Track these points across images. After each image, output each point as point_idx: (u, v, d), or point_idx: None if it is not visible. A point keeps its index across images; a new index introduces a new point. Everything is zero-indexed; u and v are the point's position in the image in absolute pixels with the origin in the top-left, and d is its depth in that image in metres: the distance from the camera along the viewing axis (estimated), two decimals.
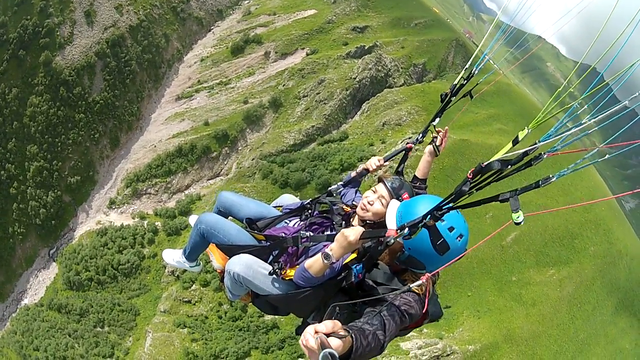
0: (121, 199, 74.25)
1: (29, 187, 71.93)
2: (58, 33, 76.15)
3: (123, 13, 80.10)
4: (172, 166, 74.63)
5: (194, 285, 59.84)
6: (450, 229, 3.74)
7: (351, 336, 2.99)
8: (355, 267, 4.12)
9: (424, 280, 3.46)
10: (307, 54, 79.86)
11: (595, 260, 63.45)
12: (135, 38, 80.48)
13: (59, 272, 68.90)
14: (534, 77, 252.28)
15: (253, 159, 70.17)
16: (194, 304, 58.25)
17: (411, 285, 3.58)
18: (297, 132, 71.39)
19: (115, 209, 74.04)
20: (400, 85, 75.62)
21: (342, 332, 2.85)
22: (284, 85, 76.96)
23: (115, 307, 63.70)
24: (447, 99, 5.51)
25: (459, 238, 3.79)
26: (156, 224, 69.55)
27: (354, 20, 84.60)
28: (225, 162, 74.90)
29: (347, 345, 2.91)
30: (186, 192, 73.82)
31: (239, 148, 75.04)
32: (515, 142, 3.40)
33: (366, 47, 77.88)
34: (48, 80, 74.31)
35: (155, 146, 76.35)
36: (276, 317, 54.24)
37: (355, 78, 74.10)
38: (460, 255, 3.79)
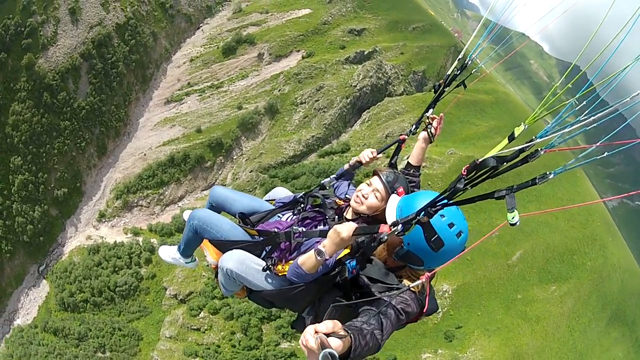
0: (111, 212, 69.85)
1: (15, 202, 66.86)
2: (41, 33, 69.87)
3: (109, 10, 73.86)
4: (164, 176, 70.30)
5: (202, 313, 57.15)
6: (451, 225, 3.60)
7: (350, 336, 2.88)
8: (349, 262, 3.96)
9: (423, 280, 3.43)
10: (303, 57, 75.57)
11: (592, 274, 64.91)
12: (122, 37, 74.58)
13: (51, 292, 65.31)
14: (517, 74, 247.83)
15: (251, 171, 66.63)
16: (204, 332, 55.57)
17: (411, 285, 3.57)
18: (297, 142, 67.92)
19: (106, 222, 69.80)
20: (400, 94, 72.47)
21: (341, 332, 2.77)
22: (279, 90, 72.82)
23: (116, 331, 60.43)
24: (440, 89, 5.39)
25: (458, 235, 3.61)
26: (152, 241, 65.76)
27: (351, 22, 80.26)
28: (220, 172, 71.11)
29: (346, 345, 2.80)
30: (179, 204, 69.98)
31: (234, 157, 71.14)
32: (511, 138, 3.25)
33: (365, 53, 74.06)
34: (31, 85, 68.45)
35: (145, 154, 71.71)
36: (293, 345, 52.56)
37: (355, 86, 70.49)
38: (459, 254, 3.63)
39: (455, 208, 3.50)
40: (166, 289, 62.01)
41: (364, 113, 71.09)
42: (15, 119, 67.51)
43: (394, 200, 4.06)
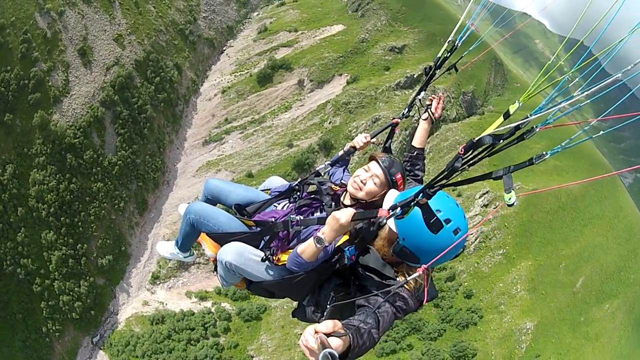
0: (165, 273, 58.74)
1: (55, 281, 54.35)
2: (50, 83, 54.05)
3: (125, 45, 57.73)
4: None
5: None
6: (447, 220, 3.17)
7: (349, 336, 2.66)
8: (348, 249, 3.61)
9: (421, 272, 3.10)
10: (348, 82, 63.92)
11: (635, 287, 65.06)
12: (145, 75, 59.35)
13: None
14: (524, 56, 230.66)
15: None
16: None
17: (408, 279, 3.21)
18: None
19: (161, 285, 58.97)
20: (454, 118, 63.90)
21: (341, 332, 2.60)
22: (330, 122, 61.74)
23: None
24: (431, 72, 4.85)
25: (447, 222, 3.10)
26: (224, 306, 56.19)
27: (388, 37, 68.51)
28: None
29: (346, 344, 2.63)
30: None
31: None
32: (507, 115, 2.99)
33: (415, 76, 63.48)
34: (49, 147, 53.76)
35: None
36: None
37: (413, 116, 60.38)
38: (451, 246, 3.11)
39: (453, 204, 3.15)
40: (253, 357, 53.85)
41: None
42: (38, 190, 53.34)
43: (392, 196, 3.61)
